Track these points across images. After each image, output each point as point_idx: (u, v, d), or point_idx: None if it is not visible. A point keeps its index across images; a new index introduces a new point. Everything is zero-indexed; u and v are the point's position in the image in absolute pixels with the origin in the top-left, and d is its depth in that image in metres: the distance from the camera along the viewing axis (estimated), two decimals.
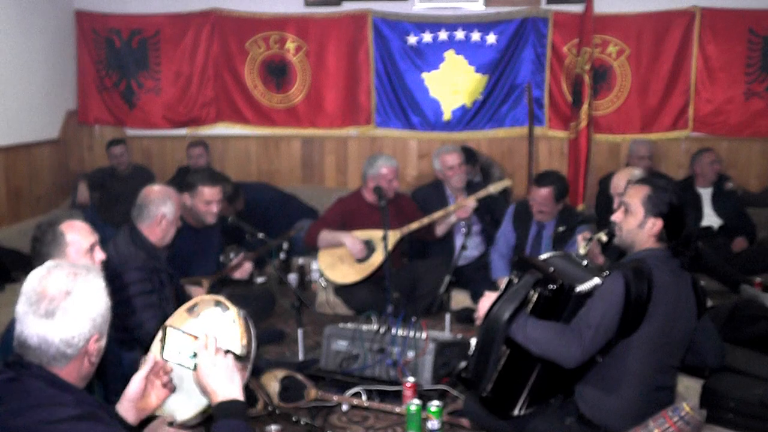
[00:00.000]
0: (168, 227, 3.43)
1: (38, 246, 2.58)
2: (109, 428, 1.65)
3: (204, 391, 1.88)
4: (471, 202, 4.67)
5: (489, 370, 2.54)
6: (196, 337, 1.93)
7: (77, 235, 2.60)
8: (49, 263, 1.77)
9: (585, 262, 2.93)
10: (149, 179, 6.01)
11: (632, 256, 2.59)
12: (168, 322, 2.19)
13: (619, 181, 3.89)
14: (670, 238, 2.54)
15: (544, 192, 4.47)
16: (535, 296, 2.50)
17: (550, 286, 2.48)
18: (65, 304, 1.69)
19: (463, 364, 3.22)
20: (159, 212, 3.38)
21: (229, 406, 1.83)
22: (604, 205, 5.67)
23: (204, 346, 1.90)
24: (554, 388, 2.65)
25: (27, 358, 1.68)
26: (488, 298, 2.62)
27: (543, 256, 2.77)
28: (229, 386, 1.86)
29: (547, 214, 4.52)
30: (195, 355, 1.90)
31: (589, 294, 2.52)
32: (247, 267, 4.16)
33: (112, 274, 2.77)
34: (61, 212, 2.81)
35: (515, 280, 2.62)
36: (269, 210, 5.66)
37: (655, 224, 2.54)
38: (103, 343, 1.78)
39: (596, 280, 2.55)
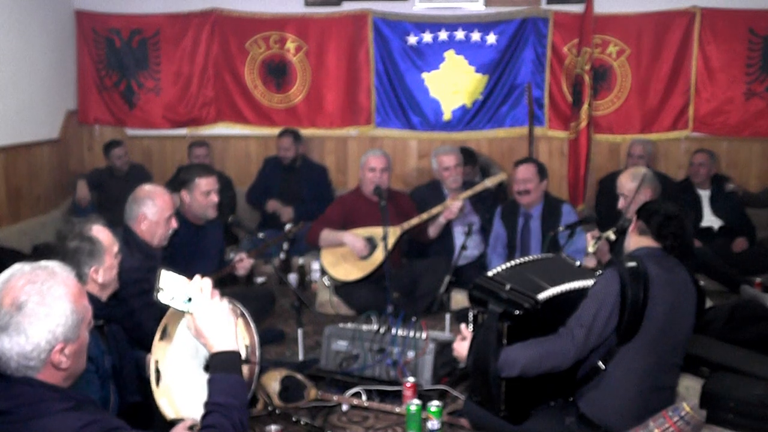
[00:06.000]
0: (152, 227, 3.42)
1: (75, 256, 2.54)
2: (95, 416, 1.65)
3: (198, 336, 1.85)
4: (457, 203, 4.66)
5: (495, 396, 2.54)
6: (190, 278, 1.90)
7: (109, 239, 2.66)
8: (7, 271, 1.69)
9: (578, 263, 2.96)
10: (146, 179, 6.01)
11: (629, 253, 2.61)
12: (164, 320, 2.19)
13: (624, 181, 3.92)
14: (650, 228, 2.57)
15: (526, 167, 4.58)
16: (506, 328, 2.52)
17: (516, 312, 2.50)
18: (16, 319, 1.61)
19: (462, 364, 3.23)
20: (140, 212, 3.40)
21: (224, 358, 1.81)
22: (604, 205, 5.69)
23: (199, 290, 1.86)
24: (557, 392, 2.66)
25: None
26: (463, 344, 2.63)
27: (504, 266, 2.78)
28: (225, 335, 1.83)
29: (533, 192, 4.55)
30: (190, 299, 1.86)
31: (580, 296, 2.53)
32: (247, 263, 4.17)
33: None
34: (80, 219, 2.79)
35: (479, 318, 2.63)
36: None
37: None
38: (72, 349, 1.69)
39: (571, 285, 2.59)
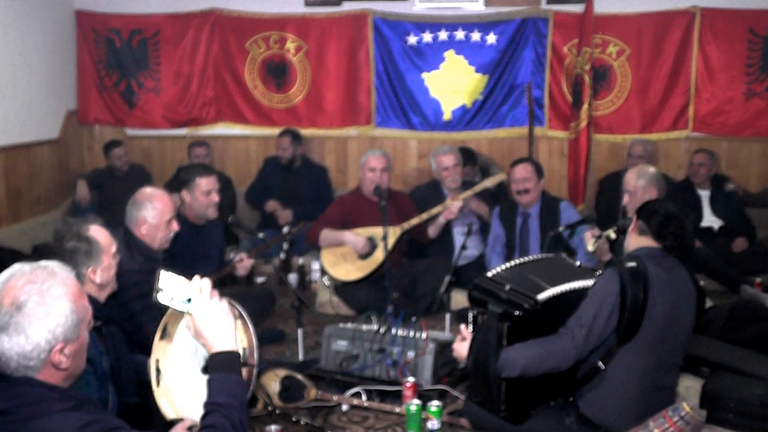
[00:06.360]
0: (152, 231, 3.41)
1: (73, 256, 2.54)
2: (94, 416, 1.65)
3: (198, 336, 1.85)
4: (456, 203, 4.67)
5: (495, 396, 2.54)
6: (190, 278, 1.89)
7: (107, 239, 2.65)
8: (7, 271, 1.69)
9: (578, 263, 2.96)
10: (146, 178, 6.05)
11: (629, 253, 2.61)
12: (164, 319, 2.18)
13: (631, 178, 3.93)
14: (650, 228, 2.58)
15: (524, 167, 4.59)
16: (506, 329, 2.52)
17: (516, 313, 2.50)
18: (16, 318, 1.61)
19: (462, 364, 3.23)
20: (139, 215, 3.39)
21: (224, 358, 1.81)
22: (604, 205, 5.70)
23: (198, 290, 1.86)
24: (557, 392, 2.65)
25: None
26: (462, 344, 2.63)
27: (504, 267, 2.78)
28: (224, 335, 1.83)
29: (532, 192, 4.56)
30: (189, 300, 1.85)
31: (580, 296, 2.53)
32: (247, 263, 4.17)
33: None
34: (77, 219, 2.79)
35: (479, 319, 2.63)
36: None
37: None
38: (72, 349, 1.69)
39: (570, 285, 2.58)
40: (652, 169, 4.00)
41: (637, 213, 2.67)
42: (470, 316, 2.69)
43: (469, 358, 2.59)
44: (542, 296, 2.53)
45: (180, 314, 2.00)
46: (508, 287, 2.57)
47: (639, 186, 3.82)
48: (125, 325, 3.07)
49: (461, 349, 2.63)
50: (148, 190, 3.50)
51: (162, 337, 2.16)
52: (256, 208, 6.08)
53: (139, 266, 3.22)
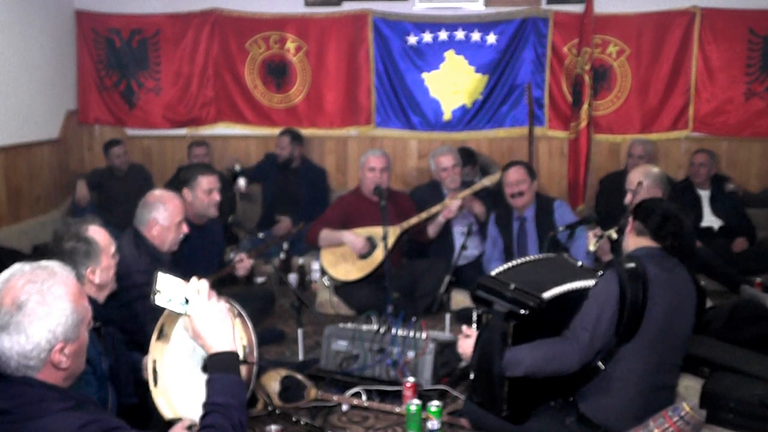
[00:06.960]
0: (163, 233, 3.41)
1: (72, 256, 2.53)
2: (94, 416, 1.66)
3: (196, 338, 1.85)
4: (455, 202, 4.66)
5: (497, 396, 2.54)
6: (187, 281, 1.90)
7: (106, 239, 2.65)
8: (7, 271, 1.69)
9: (579, 263, 2.95)
10: (146, 178, 6.06)
11: (628, 254, 2.61)
12: (161, 320, 2.19)
13: (635, 178, 3.92)
14: (647, 228, 2.57)
15: (516, 169, 4.59)
16: (511, 328, 2.51)
17: (522, 312, 2.49)
18: (16, 318, 1.62)
19: (463, 364, 3.22)
20: (150, 217, 3.40)
21: (223, 359, 1.82)
22: (604, 205, 5.69)
23: (196, 291, 1.87)
24: (557, 392, 2.65)
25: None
26: (467, 341, 2.63)
27: (506, 266, 2.77)
28: (222, 336, 1.83)
29: (526, 194, 4.56)
30: (187, 301, 1.86)
31: (582, 295, 2.53)
32: (247, 263, 4.17)
33: (116, 277, 2.77)
34: (76, 219, 2.78)
35: (483, 318, 2.62)
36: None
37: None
38: (72, 349, 1.69)
39: (574, 284, 2.58)
40: (656, 170, 3.99)
41: (633, 213, 2.65)
42: (474, 315, 2.68)
43: (474, 357, 2.58)
44: (548, 295, 2.53)
45: (177, 315, 2.00)
46: (512, 286, 2.57)
47: (643, 186, 3.81)
48: (127, 325, 3.07)
49: (466, 346, 2.63)
50: (158, 192, 3.51)
51: (159, 338, 2.17)
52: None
53: (145, 267, 3.22)
